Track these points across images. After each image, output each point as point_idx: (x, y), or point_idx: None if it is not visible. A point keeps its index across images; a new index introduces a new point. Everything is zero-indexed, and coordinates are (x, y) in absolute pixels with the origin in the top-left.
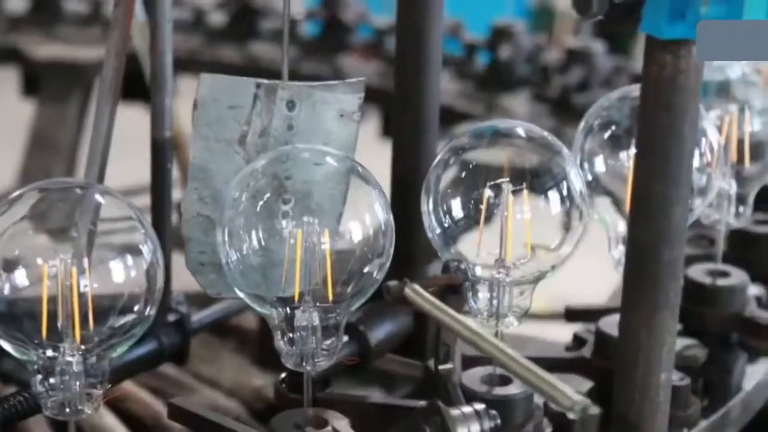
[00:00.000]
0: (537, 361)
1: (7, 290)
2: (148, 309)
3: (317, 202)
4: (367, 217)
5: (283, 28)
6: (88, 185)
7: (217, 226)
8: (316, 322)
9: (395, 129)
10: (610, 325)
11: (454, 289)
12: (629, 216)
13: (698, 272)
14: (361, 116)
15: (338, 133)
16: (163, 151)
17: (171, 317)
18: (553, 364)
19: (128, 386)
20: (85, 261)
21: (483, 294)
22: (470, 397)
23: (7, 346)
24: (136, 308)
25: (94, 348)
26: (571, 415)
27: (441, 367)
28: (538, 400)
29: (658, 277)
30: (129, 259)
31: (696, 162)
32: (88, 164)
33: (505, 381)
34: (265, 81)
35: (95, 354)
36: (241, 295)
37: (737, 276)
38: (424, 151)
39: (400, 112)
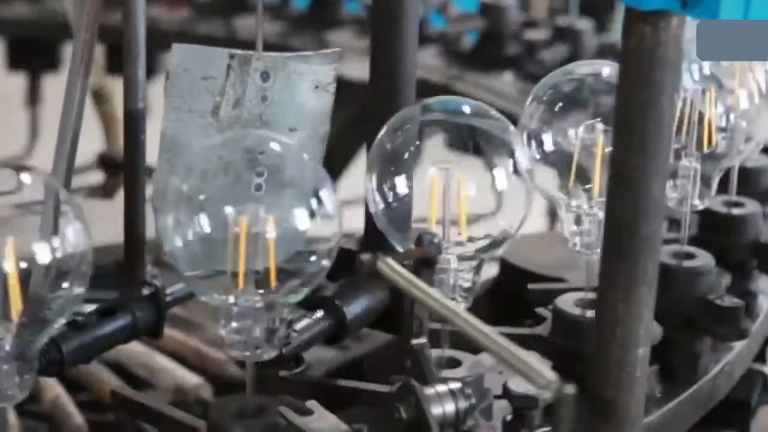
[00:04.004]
0: None
1: None
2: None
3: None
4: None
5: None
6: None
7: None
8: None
9: (370, 106)
10: (568, 303)
11: (428, 262)
12: (607, 190)
13: (663, 254)
14: (336, 88)
15: (313, 104)
16: (137, 122)
17: (145, 291)
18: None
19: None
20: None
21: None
22: None
23: None
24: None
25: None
26: (545, 395)
27: (414, 341)
28: (489, 383)
29: (636, 251)
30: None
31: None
32: (59, 138)
33: (452, 364)
34: (239, 51)
35: (29, 336)
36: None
37: (702, 258)
38: None
39: (375, 88)
